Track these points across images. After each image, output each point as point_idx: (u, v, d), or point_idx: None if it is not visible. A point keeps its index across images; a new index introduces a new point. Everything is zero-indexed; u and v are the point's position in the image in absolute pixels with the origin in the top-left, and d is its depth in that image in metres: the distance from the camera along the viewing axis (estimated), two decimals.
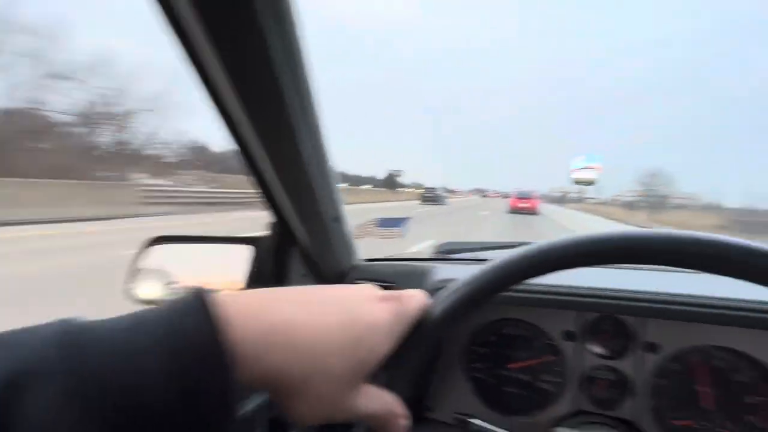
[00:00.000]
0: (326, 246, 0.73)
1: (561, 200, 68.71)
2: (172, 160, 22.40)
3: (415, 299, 0.34)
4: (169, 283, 0.73)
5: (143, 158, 20.29)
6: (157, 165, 20.86)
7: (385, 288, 0.34)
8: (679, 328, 0.63)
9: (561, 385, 0.69)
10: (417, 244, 4.95)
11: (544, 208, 30.85)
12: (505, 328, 0.73)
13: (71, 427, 0.19)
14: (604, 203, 57.02)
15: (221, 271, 0.72)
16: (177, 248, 0.73)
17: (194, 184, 20.38)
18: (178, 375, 0.22)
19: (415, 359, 0.36)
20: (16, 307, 3.12)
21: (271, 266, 0.71)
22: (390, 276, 0.80)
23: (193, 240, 0.74)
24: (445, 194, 34.87)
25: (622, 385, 0.65)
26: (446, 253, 1.07)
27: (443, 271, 0.79)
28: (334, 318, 0.29)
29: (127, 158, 19.32)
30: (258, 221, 0.75)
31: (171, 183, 19.03)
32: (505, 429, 0.63)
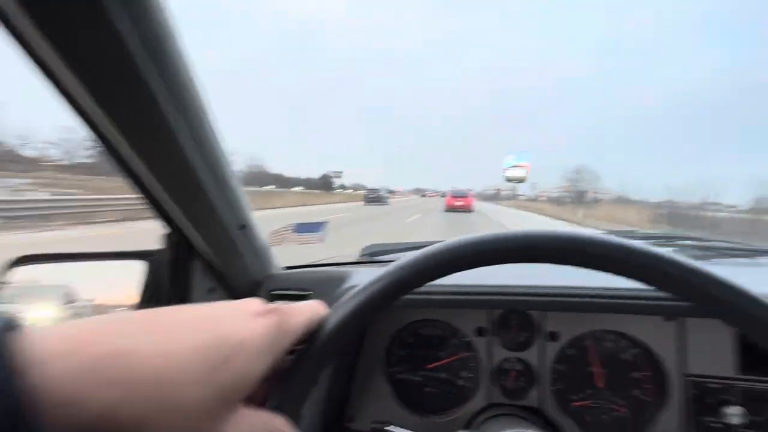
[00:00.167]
0: (233, 256, 0.68)
1: (495, 197, 72.27)
2: None
3: (302, 310, 0.32)
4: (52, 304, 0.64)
5: None
6: None
7: (300, 298, 0.31)
8: (576, 316, 0.69)
9: (475, 380, 0.71)
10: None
11: (478, 205, 32.22)
12: (422, 328, 0.74)
13: None
14: (533, 200, 60.73)
15: (112, 291, 0.64)
16: (54, 268, 0.64)
17: (26, 190, 14.52)
18: None
19: (311, 374, 0.33)
20: None
21: (168, 282, 0.65)
22: (307, 284, 0.77)
23: (71, 258, 0.65)
24: (386, 195, 35.05)
25: (528, 375, 0.69)
26: (370, 256, 1.06)
27: (364, 275, 0.77)
28: (189, 342, 0.25)
29: None
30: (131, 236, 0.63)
31: None
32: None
